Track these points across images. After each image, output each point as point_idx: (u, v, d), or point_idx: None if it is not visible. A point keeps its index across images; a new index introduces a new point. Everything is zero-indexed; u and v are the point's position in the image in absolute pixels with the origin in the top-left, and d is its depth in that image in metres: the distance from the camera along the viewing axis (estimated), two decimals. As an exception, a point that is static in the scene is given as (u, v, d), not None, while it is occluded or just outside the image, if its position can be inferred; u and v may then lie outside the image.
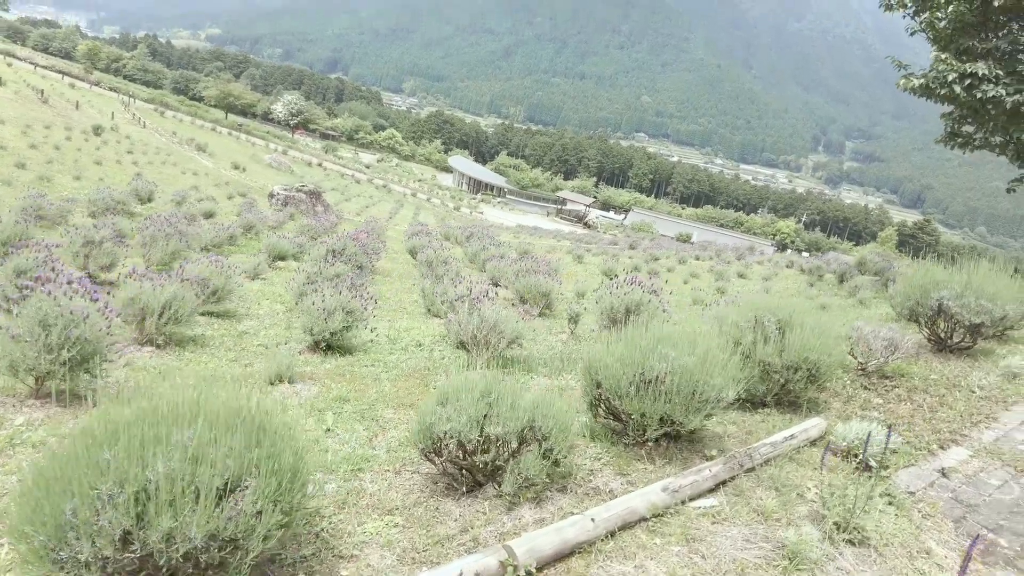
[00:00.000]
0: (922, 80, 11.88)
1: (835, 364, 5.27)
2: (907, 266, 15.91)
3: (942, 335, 7.63)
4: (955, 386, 6.40)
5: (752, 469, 4.11)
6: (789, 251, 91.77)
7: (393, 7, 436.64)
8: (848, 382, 6.28)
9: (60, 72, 57.51)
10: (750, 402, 5.39)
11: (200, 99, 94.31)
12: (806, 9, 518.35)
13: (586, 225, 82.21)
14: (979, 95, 11.39)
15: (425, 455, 3.60)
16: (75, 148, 28.39)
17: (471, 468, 3.52)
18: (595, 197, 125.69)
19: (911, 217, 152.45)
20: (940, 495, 4.34)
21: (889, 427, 4.87)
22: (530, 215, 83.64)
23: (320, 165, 64.78)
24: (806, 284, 17.91)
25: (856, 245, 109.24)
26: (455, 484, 3.70)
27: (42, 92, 41.56)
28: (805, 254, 65.10)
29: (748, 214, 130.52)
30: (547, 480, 3.64)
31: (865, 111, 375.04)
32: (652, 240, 48.39)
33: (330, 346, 7.40)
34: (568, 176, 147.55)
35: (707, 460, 4.23)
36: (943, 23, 12.42)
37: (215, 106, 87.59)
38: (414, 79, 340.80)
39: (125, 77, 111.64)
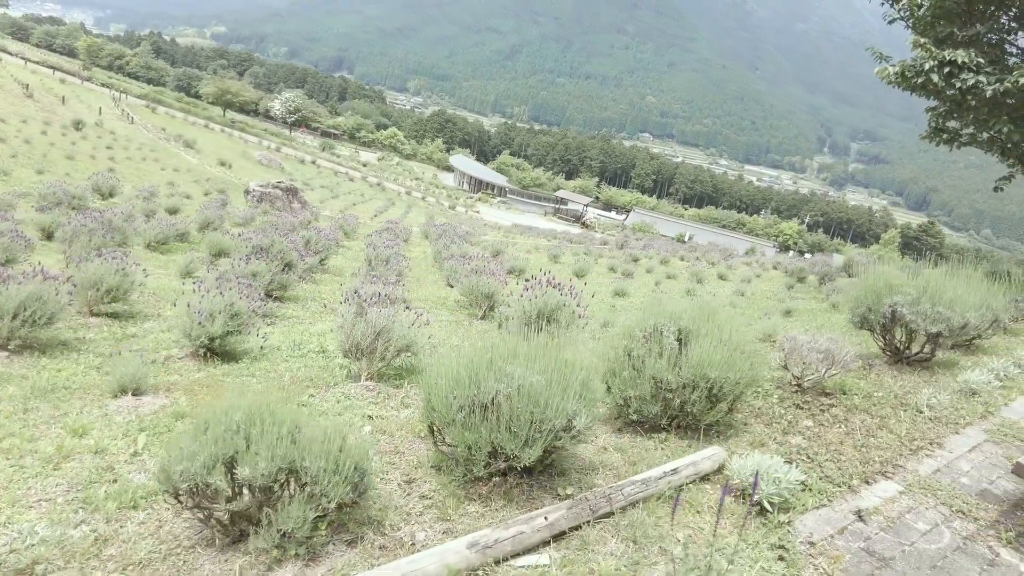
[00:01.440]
0: (898, 68, 11.08)
1: (746, 382, 4.50)
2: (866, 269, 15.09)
3: (899, 345, 6.86)
4: (902, 405, 5.63)
5: (610, 514, 3.36)
6: (791, 252, 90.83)
7: (399, 7, 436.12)
8: (777, 401, 5.51)
9: (52, 67, 57.00)
10: (645, 425, 4.63)
11: (199, 96, 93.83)
12: (811, 11, 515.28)
13: (584, 225, 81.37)
14: (959, 84, 10.58)
15: (167, 497, 2.86)
16: (48, 143, 27.79)
17: (220, 517, 2.78)
18: (597, 197, 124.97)
19: (916, 219, 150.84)
20: (850, 545, 3.58)
21: (790, 461, 4.11)
22: (528, 215, 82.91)
23: (314, 163, 64.12)
24: (785, 287, 17.11)
25: (859, 247, 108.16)
26: (223, 531, 2.96)
27: (27, 86, 41.03)
28: (807, 255, 64.13)
29: (751, 215, 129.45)
30: (323, 532, 2.90)
31: (871, 113, 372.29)
32: (644, 240, 47.56)
33: (215, 352, 6.68)
34: (570, 176, 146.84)
35: (559, 500, 3.48)
36: (923, 10, 11.62)
37: (213, 103, 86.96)
38: (419, 78, 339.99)
39: (128, 75, 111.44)
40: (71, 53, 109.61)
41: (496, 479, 3.60)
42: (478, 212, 71.62)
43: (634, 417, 4.51)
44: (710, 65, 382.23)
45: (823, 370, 5.52)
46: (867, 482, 4.27)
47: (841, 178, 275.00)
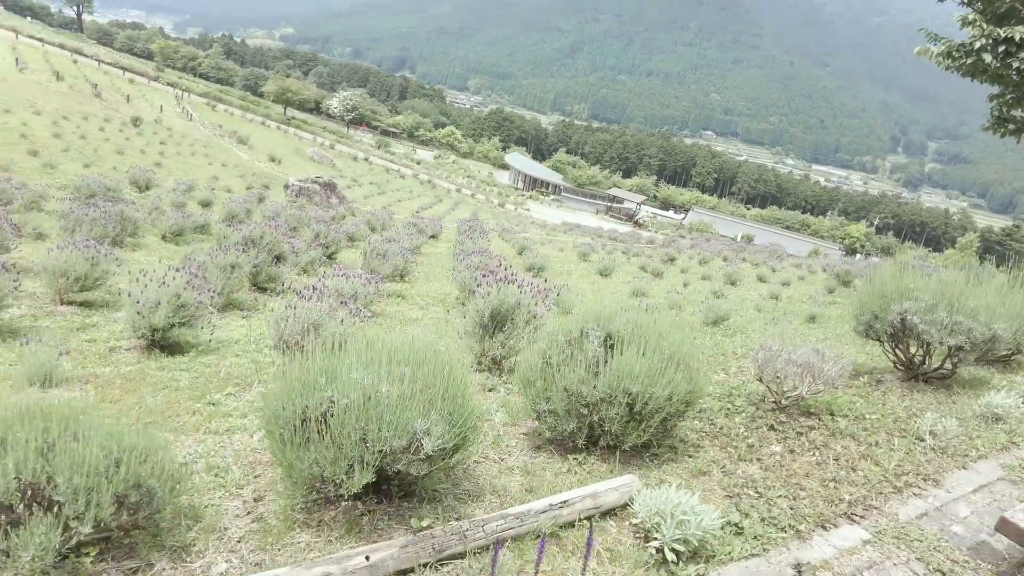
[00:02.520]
0: (943, 48, 9.90)
1: (683, 399, 3.80)
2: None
3: (913, 359, 5.92)
4: (901, 431, 4.78)
5: (462, 555, 2.77)
6: (858, 256, 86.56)
7: (461, 6, 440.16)
8: (746, 420, 4.75)
9: (123, 68, 59.69)
10: (568, 444, 3.98)
11: (262, 95, 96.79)
12: (887, 3, 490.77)
13: (636, 224, 79.68)
14: (1017, 65, 9.36)
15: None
16: (103, 138, 28.87)
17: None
18: (655, 196, 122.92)
19: (1000, 222, 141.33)
20: (773, 609, 2.87)
21: (732, 496, 3.40)
22: (579, 213, 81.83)
23: (367, 160, 64.96)
24: (825, 290, 15.84)
25: (933, 251, 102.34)
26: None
27: (95, 86, 43.00)
28: (874, 259, 60.72)
29: (816, 216, 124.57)
30: (88, 561, 2.43)
31: (951, 110, 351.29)
32: (692, 240, 45.97)
33: (161, 344, 6.38)
34: (628, 174, 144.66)
35: (412, 533, 2.90)
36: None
37: (275, 101, 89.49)
38: (479, 77, 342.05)
39: (200, 75, 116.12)
40: (149, 56, 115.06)
41: (347, 503, 3.06)
42: (528, 210, 71.08)
43: (548, 434, 3.89)
44: (777, 62, 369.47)
45: (803, 386, 4.73)
46: (824, 527, 3.51)
47: (916, 179, 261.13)
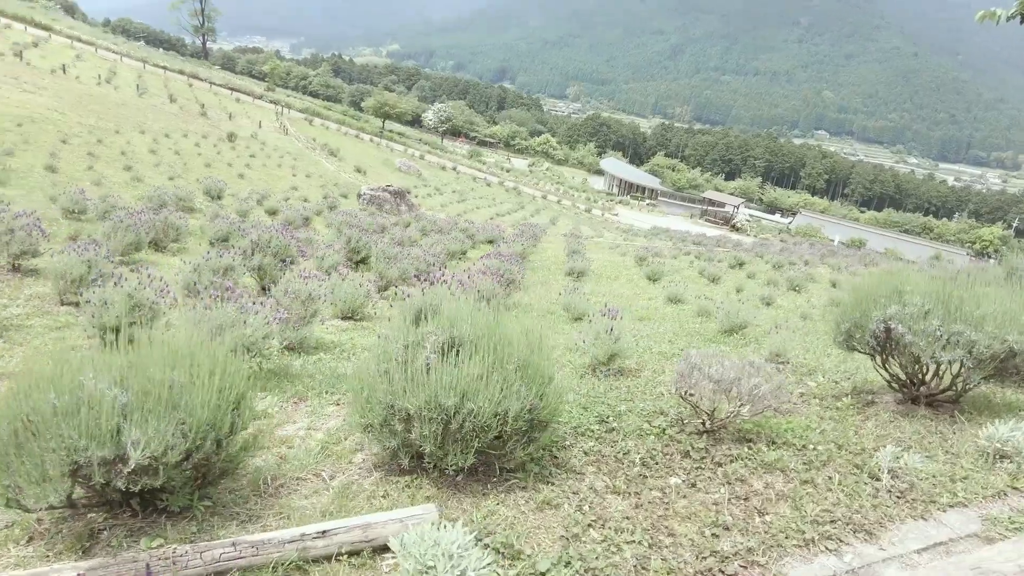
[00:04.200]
0: (1016, 8, 8.36)
1: (519, 415, 3.22)
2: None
3: (914, 378, 4.88)
4: (855, 467, 3.91)
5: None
6: (992, 261, 78.08)
7: (561, 16, 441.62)
8: (658, 446, 4.04)
9: (231, 89, 64.36)
10: (399, 465, 3.48)
11: (362, 109, 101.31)
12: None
13: (733, 227, 76.11)
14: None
15: None
16: (196, 153, 31.02)
17: None
18: (760, 199, 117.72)
19: None
20: None
21: (472, 535, 2.78)
22: (672, 217, 79.29)
23: (454, 169, 66.18)
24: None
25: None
26: None
27: (202, 106, 46.55)
28: (992, 262, 54.58)
29: (940, 219, 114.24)
30: None
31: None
32: (783, 246, 43.16)
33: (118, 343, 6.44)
34: (731, 177, 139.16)
35: (112, 555, 2.55)
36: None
37: (374, 115, 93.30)
38: (578, 84, 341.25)
39: (310, 93, 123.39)
40: (264, 77, 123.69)
41: (92, 515, 2.77)
42: (615, 214, 69.70)
43: (374, 450, 3.43)
44: (899, 54, 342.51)
45: (728, 405, 3.96)
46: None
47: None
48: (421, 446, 3.17)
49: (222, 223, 14.82)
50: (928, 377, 4.83)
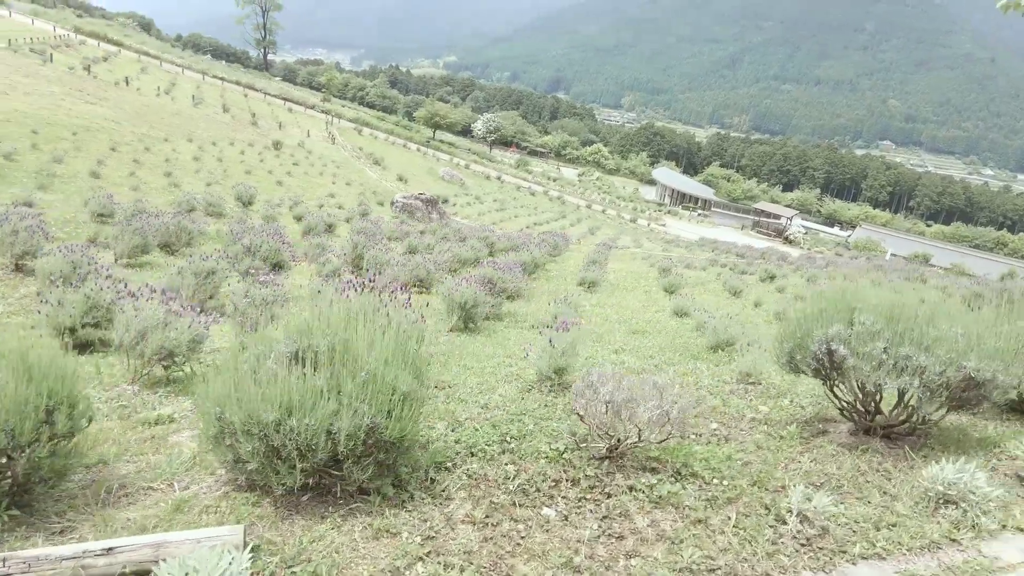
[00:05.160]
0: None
1: (351, 432, 2.96)
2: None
3: (868, 406, 4.36)
4: (764, 506, 3.49)
5: None
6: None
7: (615, 24, 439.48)
8: (552, 471, 3.71)
9: (284, 99, 66.42)
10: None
11: (414, 119, 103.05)
12: None
13: (786, 240, 73.63)
14: None
15: None
16: (239, 160, 31.99)
17: None
18: (818, 211, 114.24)
19: None
20: None
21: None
22: (722, 228, 77.38)
23: (499, 178, 66.33)
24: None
25: None
26: None
27: (253, 115, 48.17)
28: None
29: (1016, 233, 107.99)
30: None
31: None
32: (827, 258, 41.44)
33: (77, 344, 6.52)
34: (789, 188, 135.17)
35: None
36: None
37: (425, 125, 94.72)
38: (633, 94, 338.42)
39: (368, 104, 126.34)
40: (322, 88, 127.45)
41: None
42: (663, 225, 68.45)
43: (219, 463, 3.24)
44: (972, 60, 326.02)
45: (631, 431, 3.59)
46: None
47: None
48: (248, 462, 2.96)
49: (236, 227, 15.07)
50: (882, 406, 4.32)
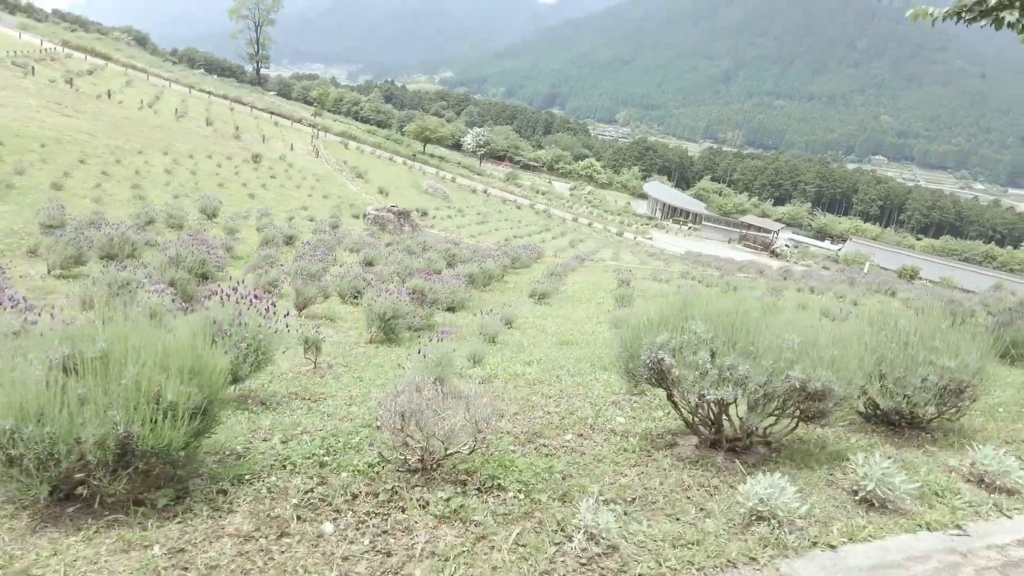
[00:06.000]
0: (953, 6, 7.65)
1: (100, 442, 2.88)
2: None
3: (705, 420, 4.28)
4: (556, 523, 3.36)
5: None
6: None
7: (612, 40, 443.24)
8: (358, 484, 3.62)
9: (270, 113, 66.67)
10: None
11: (404, 133, 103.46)
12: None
13: (773, 253, 73.79)
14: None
15: None
16: (213, 173, 31.96)
17: None
18: (809, 225, 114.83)
19: None
20: None
21: None
22: (710, 242, 77.56)
23: (485, 191, 66.44)
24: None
25: None
26: None
27: (236, 128, 48.28)
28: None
29: (1004, 247, 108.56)
30: None
31: None
32: (809, 271, 41.55)
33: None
34: (780, 202, 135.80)
35: None
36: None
37: (415, 139, 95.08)
38: (628, 108, 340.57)
39: (361, 119, 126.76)
40: (320, 102, 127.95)
41: None
42: (649, 238, 68.54)
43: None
44: (964, 75, 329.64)
45: (431, 443, 3.50)
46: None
47: None
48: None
49: (186, 241, 14.99)
50: (722, 418, 4.24)
